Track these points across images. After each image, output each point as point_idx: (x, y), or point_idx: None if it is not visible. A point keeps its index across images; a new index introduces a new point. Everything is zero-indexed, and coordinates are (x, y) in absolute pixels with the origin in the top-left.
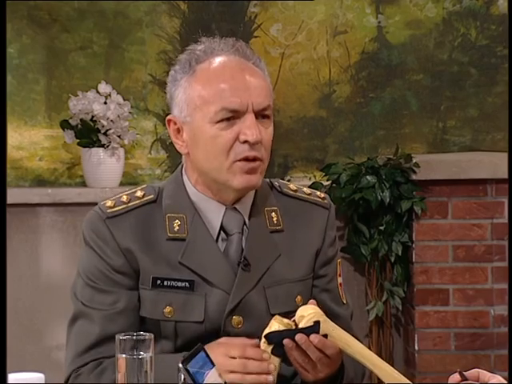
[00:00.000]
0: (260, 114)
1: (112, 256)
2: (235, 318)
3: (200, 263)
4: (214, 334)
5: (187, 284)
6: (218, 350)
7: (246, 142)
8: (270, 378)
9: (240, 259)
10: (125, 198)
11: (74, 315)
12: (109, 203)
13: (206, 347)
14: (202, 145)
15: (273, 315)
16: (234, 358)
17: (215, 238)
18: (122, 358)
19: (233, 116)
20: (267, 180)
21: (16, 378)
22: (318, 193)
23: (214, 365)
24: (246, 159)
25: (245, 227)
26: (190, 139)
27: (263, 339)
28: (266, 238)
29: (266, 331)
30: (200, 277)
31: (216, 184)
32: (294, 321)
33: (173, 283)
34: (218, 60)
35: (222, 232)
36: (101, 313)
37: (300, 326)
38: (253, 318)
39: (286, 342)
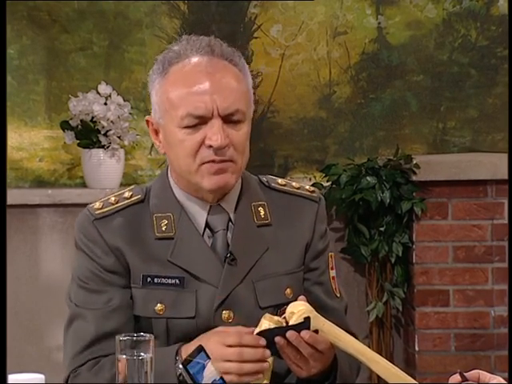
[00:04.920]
0: (228, 119)
1: (102, 256)
2: (225, 313)
3: (189, 260)
4: (206, 329)
5: (177, 281)
6: (213, 338)
7: (210, 146)
8: (266, 364)
9: (226, 255)
10: (113, 200)
11: (69, 319)
12: (97, 205)
13: (202, 337)
14: (172, 147)
15: (262, 308)
16: (230, 346)
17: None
18: (122, 359)
19: (199, 122)
20: (255, 176)
21: (16, 379)
22: (307, 186)
23: (209, 358)
24: (213, 162)
25: (230, 223)
26: (165, 140)
27: None
28: (253, 232)
29: (257, 330)
30: (190, 274)
31: (191, 184)
32: (284, 318)
33: (163, 280)
34: (188, 62)
35: (207, 229)
36: (95, 312)
37: (290, 322)
38: (242, 312)
39: (277, 339)
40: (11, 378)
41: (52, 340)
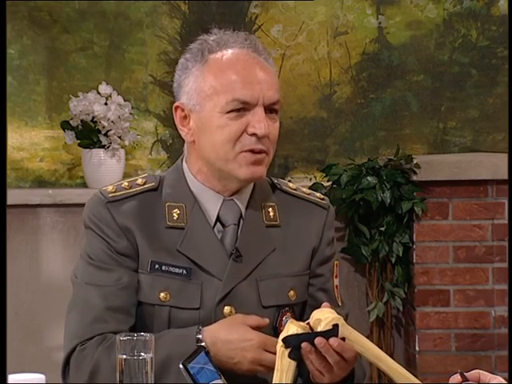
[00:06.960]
0: (269, 109)
1: (115, 238)
2: (227, 308)
3: (198, 252)
4: (208, 322)
5: (184, 271)
6: (252, 337)
7: (253, 134)
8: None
9: (232, 250)
10: (126, 185)
11: (73, 296)
12: (110, 188)
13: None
14: (208, 133)
15: (265, 307)
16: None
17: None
18: (121, 359)
19: (243, 108)
20: (267, 178)
21: (16, 379)
22: (318, 194)
23: (219, 374)
24: (252, 151)
25: (241, 220)
26: (197, 127)
27: (280, 343)
28: (262, 231)
29: (283, 335)
30: (197, 265)
31: (220, 173)
32: (308, 324)
33: (170, 269)
34: (230, 52)
35: (218, 223)
36: (104, 289)
37: (318, 329)
38: (244, 309)
39: (304, 345)
40: (11, 378)
41: (52, 340)
